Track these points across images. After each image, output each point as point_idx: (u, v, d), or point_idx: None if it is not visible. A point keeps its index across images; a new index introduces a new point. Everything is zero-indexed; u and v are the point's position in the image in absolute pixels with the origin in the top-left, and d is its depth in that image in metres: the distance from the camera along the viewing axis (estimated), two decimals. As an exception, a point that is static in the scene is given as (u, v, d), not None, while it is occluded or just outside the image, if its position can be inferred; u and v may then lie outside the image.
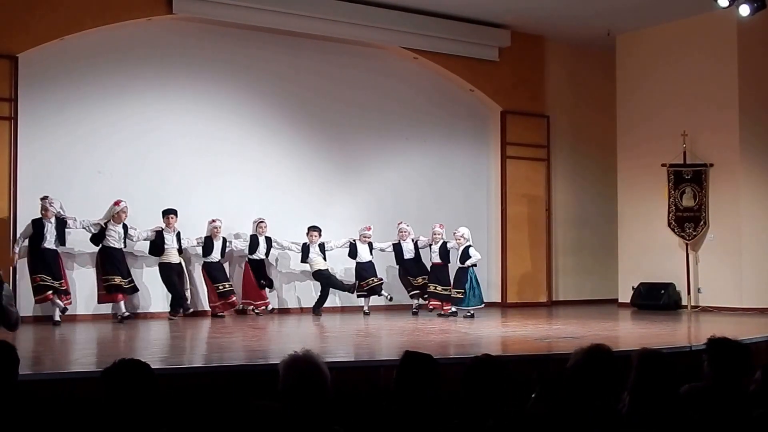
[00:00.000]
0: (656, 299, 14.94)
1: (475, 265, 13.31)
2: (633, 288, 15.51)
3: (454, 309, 13.29)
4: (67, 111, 12.83)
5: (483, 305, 13.41)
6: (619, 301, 15.90)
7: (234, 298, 13.21)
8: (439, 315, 13.38)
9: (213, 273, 13.19)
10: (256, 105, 14.33)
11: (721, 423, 4.12)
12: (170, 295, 12.83)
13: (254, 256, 13.50)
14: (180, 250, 12.92)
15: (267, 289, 13.61)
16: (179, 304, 12.77)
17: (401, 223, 14.09)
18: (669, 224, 15.03)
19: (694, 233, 14.82)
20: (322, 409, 3.93)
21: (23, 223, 11.99)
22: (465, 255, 13.25)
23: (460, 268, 13.33)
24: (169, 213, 12.78)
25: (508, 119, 16.31)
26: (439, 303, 13.53)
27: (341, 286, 13.91)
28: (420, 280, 13.89)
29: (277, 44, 14.45)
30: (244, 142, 14.16)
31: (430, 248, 13.86)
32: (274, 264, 14.22)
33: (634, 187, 15.86)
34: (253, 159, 14.20)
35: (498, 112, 16.35)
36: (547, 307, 15.98)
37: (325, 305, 13.90)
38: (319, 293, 13.89)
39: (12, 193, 12.15)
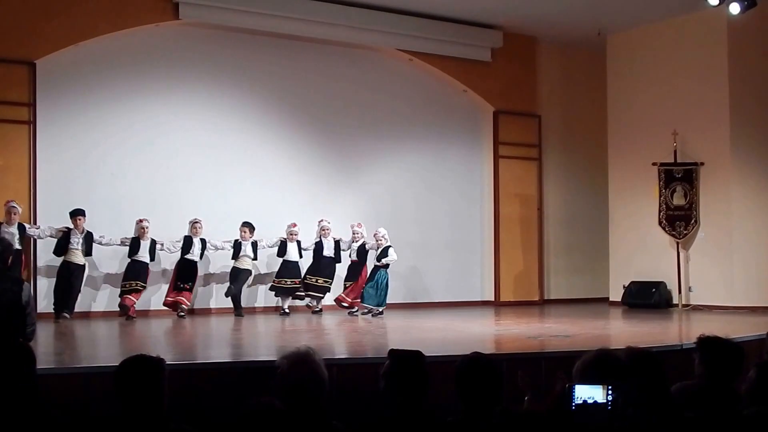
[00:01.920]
0: (647, 298, 14.95)
1: (388, 266, 13.38)
2: (624, 287, 15.51)
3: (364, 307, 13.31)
4: (82, 115, 13.11)
5: (383, 307, 13.34)
6: (611, 299, 15.92)
7: (127, 301, 12.47)
8: (350, 313, 13.42)
9: (128, 272, 12.63)
10: (256, 107, 14.46)
11: (712, 422, 4.12)
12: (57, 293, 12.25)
13: (187, 256, 13.01)
14: (87, 252, 12.40)
15: (185, 292, 12.94)
16: (66, 307, 12.14)
17: (323, 220, 13.81)
18: (660, 223, 15.05)
19: (684, 232, 14.84)
20: (321, 405, 3.94)
21: (43, 223, 12.38)
22: (383, 254, 13.35)
23: (375, 266, 13.42)
24: (77, 214, 12.29)
25: (501, 119, 16.33)
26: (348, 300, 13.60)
27: (234, 292, 13.19)
28: (321, 281, 13.56)
29: (277, 48, 14.56)
30: (246, 145, 14.30)
31: (350, 247, 13.83)
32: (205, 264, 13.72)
33: (625, 186, 15.88)
34: (254, 161, 14.34)
35: (490, 112, 16.37)
36: (539, 306, 16.01)
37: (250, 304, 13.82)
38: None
39: (32, 196, 12.43)
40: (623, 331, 11.33)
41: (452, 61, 15.72)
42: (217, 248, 13.35)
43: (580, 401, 3.70)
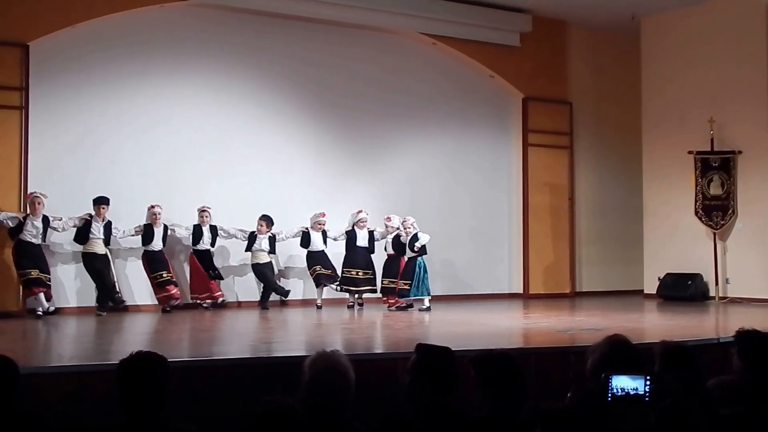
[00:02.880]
0: (683, 290, 14.77)
1: (425, 251, 13.20)
2: (659, 279, 15.34)
3: (404, 303, 13.18)
4: (78, 100, 12.84)
5: (429, 296, 13.21)
6: (645, 292, 15.74)
7: (174, 290, 12.60)
8: (389, 309, 13.19)
9: (152, 263, 12.60)
10: (270, 92, 14.29)
11: (750, 418, 4.02)
12: (97, 288, 12.23)
13: (198, 247, 12.98)
14: (107, 241, 12.35)
15: (218, 281, 13.10)
16: (109, 297, 12.13)
17: (361, 211, 13.63)
18: (696, 213, 14.85)
19: (722, 222, 14.64)
20: (345, 407, 3.88)
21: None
22: (414, 241, 13.15)
23: (409, 258, 13.25)
24: (101, 202, 12.21)
25: (530, 106, 16.18)
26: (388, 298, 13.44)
27: (274, 286, 13.37)
28: (361, 273, 13.44)
29: (292, 30, 14.36)
30: (259, 130, 14.13)
31: (385, 240, 13.66)
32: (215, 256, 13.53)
33: (660, 176, 15.67)
34: (267, 146, 14.16)
35: (519, 99, 16.21)
36: (570, 298, 15.86)
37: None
38: (262, 286, 13.49)
39: (22, 184, 12.18)
40: (657, 325, 11.20)
41: (478, 45, 15.55)
42: (229, 235, 13.25)
43: (617, 392, 3.63)
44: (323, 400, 3.86)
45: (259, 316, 12.32)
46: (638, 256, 16.14)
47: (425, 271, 13.17)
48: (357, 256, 13.47)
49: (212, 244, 13.12)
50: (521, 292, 15.98)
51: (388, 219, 13.58)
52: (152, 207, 12.62)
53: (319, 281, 13.38)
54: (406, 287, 13.05)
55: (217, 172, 13.67)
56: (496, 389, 3.96)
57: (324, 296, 13.59)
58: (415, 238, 13.13)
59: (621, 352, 4.18)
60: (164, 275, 12.56)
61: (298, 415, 3.31)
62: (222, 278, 13.19)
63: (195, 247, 13.00)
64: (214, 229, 13.06)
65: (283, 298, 13.53)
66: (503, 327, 10.66)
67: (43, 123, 12.46)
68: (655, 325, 11.20)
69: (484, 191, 16.11)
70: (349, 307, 13.33)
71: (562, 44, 16.64)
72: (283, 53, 14.37)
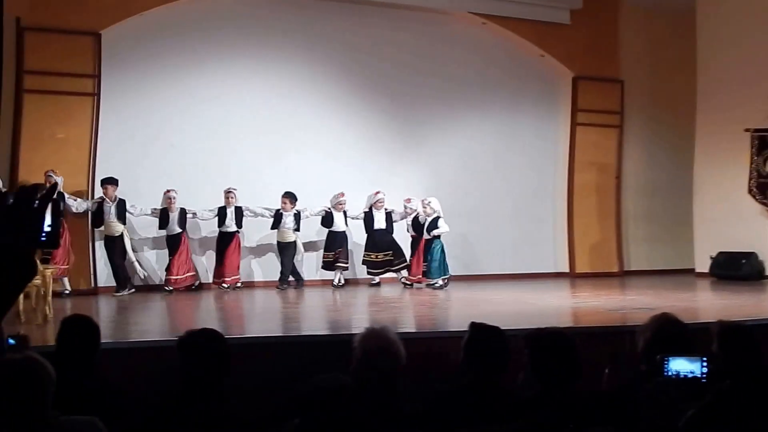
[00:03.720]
0: (736, 269, 14.47)
1: (439, 236, 13.15)
2: (711, 257, 15.07)
3: (424, 284, 13.15)
4: (144, 85, 13.16)
5: (449, 276, 13.20)
6: (697, 270, 15.50)
7: (176, 277, 12.52)
8: (405, 285, 13.30)
9: (171, 246, 12.62)
10: (322, 76, 14.33)
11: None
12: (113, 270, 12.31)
13: (224, 229, 12.89)
14: (121, 220, 12.29)
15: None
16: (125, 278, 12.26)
17: (378, 192, 13.61)
18: (750, 191, 14.56)
19: (777, 200, 14.36)
20: (396, 381, 3.91)
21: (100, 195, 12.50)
22: (433, 226, 13.10)
23: (427, 240, 13.19)
24: (106, 182, 12.25)
25: (580, 85, 15.97)
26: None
27: (292, 269, 13.28)
28: (381, 256, 13.42)
29: (342, 14, 14.40)
30: (310, 113, 14.19)
31: (406, 221, 13.61)
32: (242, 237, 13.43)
33: (714, 153, 15.33)
34: (318, 130, 14.23)
35: (569, 78, 16.02)
36: (618, 277, 15.69)
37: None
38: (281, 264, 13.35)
39: (91, 168, 12.59)
40: (712, 304, 11.05)
41: (528, 24, 15.37)
42: (256, 214, 13.13)
43: (673, 374, 3.57)
44: (374, 374, 3.89)
45: (294, 295, 12.43)
46: (688, 234, 15.87)
47: (444, 253, 13.16)
48: (374, 239, 13.48)
49: (239, 225, 12.98)
50: (567, 271, 15.86)
51: (408, 200, 13.53)
52: (168, 191, 12.57)
53: (329, 268, 13.44)
54: (425, 268, 13.08)
55: (271, 155, 13.80)
56: (548, 368, 3.93)
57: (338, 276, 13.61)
58: (434, 223, 13.08)
59: (672, 332, 4.12)
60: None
61: (352, 391, 3.34)
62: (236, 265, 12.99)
63: (221, 229, 12.91)
64: (239, 210, 12.93)
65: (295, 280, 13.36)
66: (552, 306, 10.60)
67: (112, 108, 12.80)
68: (709, 304, 11.05)
69: (532, 171, 15.96)
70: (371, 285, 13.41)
71: (614, 21, 16.35)
72: (333, 37, 14.40)
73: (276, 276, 13.33)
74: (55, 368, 3.31)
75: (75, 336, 4.47)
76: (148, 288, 12.70)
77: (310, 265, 13.96)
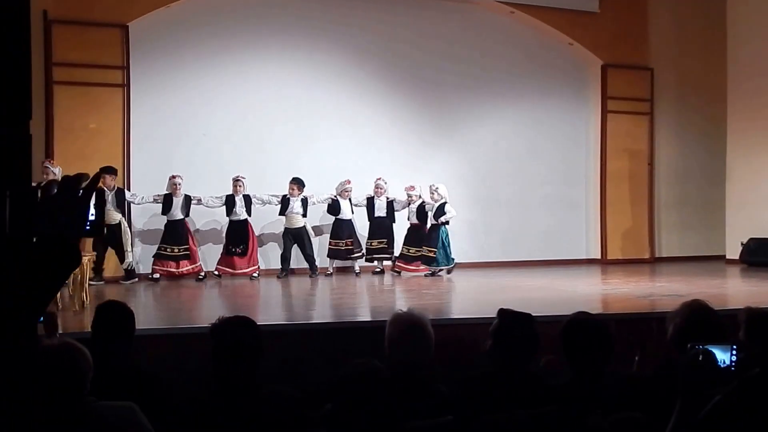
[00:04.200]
0: (768, 255, 14.38)
1: (447, 222, 13.02)
2: (742, 244, 14.94)
3: (430, 271, 13.00)
4: (174, 76, 13.30)
5: (453, 265, 13.10)
6: (728, 257, 15.39)
7: (171, 267, 12.37)
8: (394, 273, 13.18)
9: (165, 233, 12.46)
10: (350, 64, 14.38)
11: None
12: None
13: (233, 217, 12.73)
14: (120, 210, 12.12)
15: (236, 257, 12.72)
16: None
17: (379, 179, 13.44)
18: (782, 177, 14.43)
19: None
20: (426, 362, 3.94)
21: (136, 187, 12.67)
22: (440, 211, 12.98)
23: (433, 225, 13.07)
24: (104, 172, 11.72)
25: (610, 73, 15.89)
26: (406, 265, 13.23)
27: (308, 255, 13.11)
28: (375, 243, 13.28)
29: (371, 3, 14.46)
30: (341, 102, 14.26)
31: (408, 209, 13.39)
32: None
33: (746, 139, 15.19)
34: (349, 119, 14.30)
35: (598, 66, 15.94)
36: (650, 264, 15.63)
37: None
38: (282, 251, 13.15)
39: (126, 159, 12.72)
40: (741, 290, 10.98)
41: (557, 12, 15.30)
42: (263, 202, 12.94)
43: (707, 362, 3.55)
44: (405, 356, 3.92)
45: (312, 283, 12.40)
46: (719, 220, 15.77)
47: (449, 240, 13.05)
48: (374, 226, 13.34)
49: (248, 213, 12.79)
50: (599, 257, 15.82)
51: (411, 188, 13.33)
52: (173, 177, 12.45)
53: (335, 257, 13.35)
54: (432, 255, 12.96)
55: (302, 144, 13.88)
56: (582, 354, 3.95)
57: (332, 264, 13.51)
58: (441, 209, 12.97)
59: (702, 319, 4.11)
60: (168, 250, 12.37)
61: (384, 377, 3.37)
62: (243, 256, 12.75)
63: (229, 218, 12.78)
64: (247, 198, 12.76)
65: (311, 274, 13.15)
66: (581, 293, 10.58)
67: (142, 99, 12.94)
68: (738, 291, 10.98)
69: (562, 158, 15.93)
70: (374, 272, 13.33)
71: (643, 8, 16.22)
72: (363, 26, 14.44)
73: (277, 264, 13.20)
74: (92, 354, 3.36)
75: (110, 322, 4.52)
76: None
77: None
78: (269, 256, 13.62)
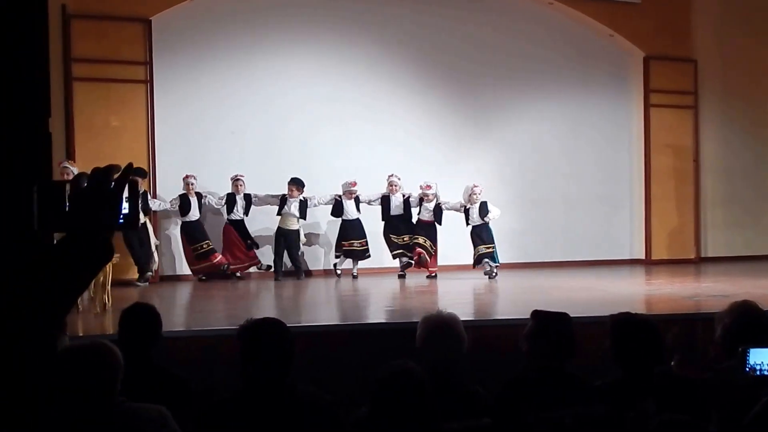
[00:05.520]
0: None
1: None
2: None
3: (492, 267, 12.84)
4: (198, 71, 13.30)
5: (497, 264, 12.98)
6: (777, 257, 15.23)
7: (218, 258, 12.66)
8: (428, 277, 12.90)
9: (190, 235, 12.67)
10: (383, 58, 14.35)
11: None
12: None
13: (232, 216, 12.82)
14: (145, 212, 12.15)
15: (255, 249, 13.02)
16: (141, 269, 12.19)
17: (392, 175, 13.25)
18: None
19: None
20: (459, 362, 3.95)
21: (161, 186, 12.80)
22: (484, 209, 12.86)
23: (475, 226, 12.93)
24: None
25: (652, 65, 15.76)
26: (425, 257, 12.99)
27: (294, 258, 13.10)
28: (406, 238, 13.09)
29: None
30: (375, 96, 14.22)
31: (421, 206, 13.16)
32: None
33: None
34: (383, 113, 14.25)
35: (640, 58, 15.81)
36: (695, 264, 15.49)
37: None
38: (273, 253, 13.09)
39: (151, 157, 12.77)
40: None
41: (597, 2, 15.21)
42: (262, 201, 13.01)
43: (756, 366, 3.50)
44: (436, 356, 3.94)
45: (330, 284, 12.40)
46: (768, 219, 15.63)
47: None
48: (393, 222, 13.17)
49: (246, 213, 12.92)
50: (643, 257, 15.69)
51: (428, 186, 13.06)
52: (186, 177, 12.57)
53: (346, 256, 13.24)
54: (490, 251, 12.87)
55: (334, 141, 13.86)
56: (632, 354, 3.95)
57: (346, 266, 13.39)
58: (485, 207, 12.87)
59: (751, 320, 4.09)
60: (205, 246, 12.62)
61: (420, 378, 3.38)
62: (258, 247, 13.07)
63: (229, 217, 12.87)
64: (248, 198, 12.89)
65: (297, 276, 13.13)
66: (624, 293, 10.52)
67: (167, 96, 12.97)
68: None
69: (604, 154, 15.82)
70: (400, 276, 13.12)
71: (686, -2, 16.12)
72: (396, 21, 14.41)
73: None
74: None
75: (137, 324, 4.57)
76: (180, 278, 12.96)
77: (316, 254, 13.98)
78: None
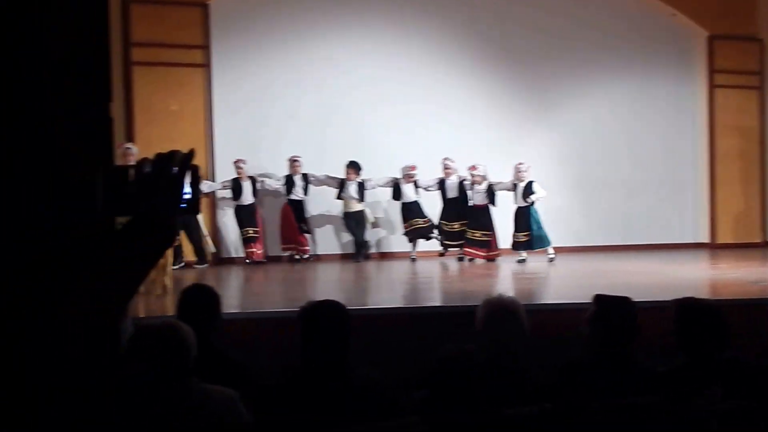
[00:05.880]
0: None
1: (533, 203, 12.68)
2: None
3: (524, 256, 12.70)
4: (255, 56, 13.44)
5: (550, 245, 12.81)
6: None
7: (254, 249, 12.82)
8: (489, 260, 12.83)
9: (239, 218, 12.93)
10: (440, 40, 14.32)
11: None
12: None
13: (292, 197, 12.99)
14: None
15: (307, 235, 13.22)
16: (196, 253, 12.34)
17: (446, 159, 13.17)
18: None
19: None
20: (519, 346, 3.95)
21: (220, 169, 12.96)
22: (528, 190, 12.66)
23: (521, 207, 12.76)
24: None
25: (716, 45, 15.47)
26: (475, 251, 12.92)
27: (360, 241, 13.31)
28: (457, 226, 13.03)
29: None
30: (434, 80, 14.21)
31: (473, 189, 13.03)
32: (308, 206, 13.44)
33: None
34: (442, 96, 14.23)
35: (704, 38, 15.53)
36: (762, 248, 15.22)
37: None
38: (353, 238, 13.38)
39: (210, 141, 12.98)
40: None
41: (659, -19, 15.01)
42: (320, 181, 13.14)
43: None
44: (497, 340, 3.94)
45: (389, 267, 12.47)
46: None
47: (539, 220, 12.78)
48: (448, 209, 13.17)
49: (305, 193, 13.09)
50: (708, 241, 15.46)
51: (474, 168, 12.96)
52: (237, 161, 12.74)
53: (413, 236, 13.26)
54: (526, 239, 12.73)
55: (393, 124, 13.87)
56: (697, 339, 3.91)
57: (408, 249, 13.43)
58: (530, 187, 12.69)
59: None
60: (249, 232, 12.81)
61: (479, 361, 3.39)
62: (310, 232, 13.28)
63: (289, 197, 13.03)
64: (306, 178, 13.04)
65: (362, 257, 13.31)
66: (687, 278, 10.36)
67: (224, 80, 13.14)
68: None
69: (667, 136, 15.59)
70: (458, 259, 13.10)
71: (752, -26, 15.79)
72: (456, 4, 14.35)
73: (334, 249, 13.57)
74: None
75: (196, 305, 4.62)
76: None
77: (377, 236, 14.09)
78: (327, 240, 13.82)
